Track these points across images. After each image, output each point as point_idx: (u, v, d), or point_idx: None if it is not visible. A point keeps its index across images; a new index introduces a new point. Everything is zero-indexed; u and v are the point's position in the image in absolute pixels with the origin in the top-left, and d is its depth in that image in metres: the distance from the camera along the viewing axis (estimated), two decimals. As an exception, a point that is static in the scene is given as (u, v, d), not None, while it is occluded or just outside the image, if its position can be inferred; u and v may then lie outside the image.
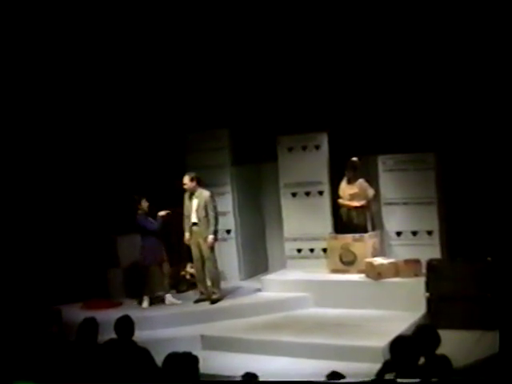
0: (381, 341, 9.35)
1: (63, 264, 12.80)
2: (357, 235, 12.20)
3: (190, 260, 13.39)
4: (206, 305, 11.93)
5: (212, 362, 9.50)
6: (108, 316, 9.63)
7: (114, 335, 8.04)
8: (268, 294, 12.19)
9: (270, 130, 13.19)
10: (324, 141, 12.86)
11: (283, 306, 11.77)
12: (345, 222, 12.49)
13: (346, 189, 12.50)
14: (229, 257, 13.28)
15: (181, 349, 6.56)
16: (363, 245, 12.15)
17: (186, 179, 11.98)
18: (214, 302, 11.91)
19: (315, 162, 12.89)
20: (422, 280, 11.09)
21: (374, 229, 12.44)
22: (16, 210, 12.70)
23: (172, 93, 13.93)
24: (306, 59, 13.05)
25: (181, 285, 13.02)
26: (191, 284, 13.01)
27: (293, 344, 10.22)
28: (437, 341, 6.72)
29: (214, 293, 11.96)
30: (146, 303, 12.03)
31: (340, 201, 12.55)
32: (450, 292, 10.62)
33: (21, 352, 8.28)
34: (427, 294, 10.91)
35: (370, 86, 12.72)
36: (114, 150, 13.83)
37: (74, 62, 13.08)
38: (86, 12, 12.54)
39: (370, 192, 12.39)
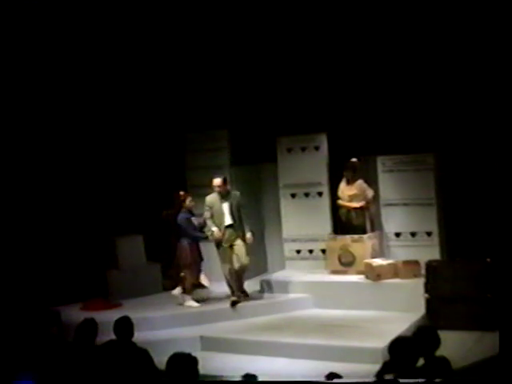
0: (380, 342, 9.35)
1: (63, 265, 12.79)
2: (356, 236, 12.20)
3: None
4: (205, 306, 11.92)
5: (211, 363, 9.49)
6: (107, 317, 9.62)
7: (113, 336, 8.03)
8: (267, 295, 12.18)
9: (269, 131, 13.20)
10: (323, 142, 12.89)
11: (282, 307, 11.77)
12: (344, 222, 12.47)
13: (345, 190, 12.49)
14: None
15: (180, 350, 6.57)
16: (362, 246, 12.14)
17: (219, 181, 11.61)
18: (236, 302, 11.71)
19: (314, 163, 12.91)
20: (421, 281, 11.08)
21: (373, 230, 12.44)
22: (16, 211, 12.69)
23: (171, 93, 13.93)
24: (306, 60, 13.06)
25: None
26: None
27: (292, 345, 10.22)
28: (437, 342, 6.72)
29: (235, 293, 11.81)
30: (191, 301, 11.85)
31: (339, 202, 12.54)
32: (449, 293, 10.61)
33: (21, 353, 8.27)
34: (426, 295, 10.90)
35: (369, 87, 12.73)
36: (114, 150, 13.83)
37: (75, 63, 13.07)
38: (85, 11, 12.52)
39: (370, 193, 12.39)
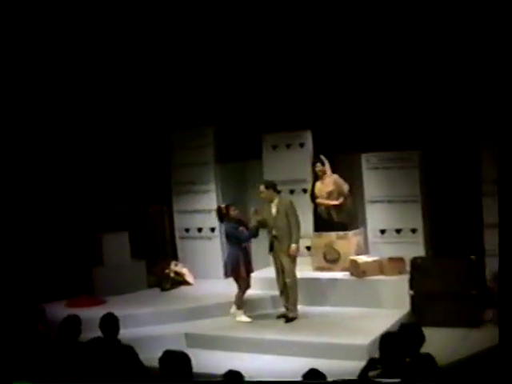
0: (365, 339, 9.38)
1: (48, 262, 12.76)
2: (341, 233, 12.22)
3: (175, 257, 13.40)
4: (190, 303, 11.91)
5: (196, 360, 9.42)
6: (92, 314, 9.61)
7: (98, 333, 8.03)
8: (252, 292, 12.13)
9: (254, 128, 13.22)
10: (308, 139, 12.93)
11: (267, 304, 11.77)
12: (326, 220, 12.44)
13: (322, 187, 12.45)
14: (213, 255, 13.27)
15: (165, 347, 6.57)
16: (347, 243, 12.17)
17: (261, 187, 11.19)
18: (289, 320, 11.08)
19: (299, 160, 12.96)
20: (405, 278, 11.11)
21: (354, 225, 12.45)
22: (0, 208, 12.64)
23: (158, 91, 13.90)
24: (291, 58, 13.05)
25: (164, 282, 13.00)
26: (175, 282, 13.00)
27: (277, 342, 10.24)
28: (421, 339, 6.73)
29: (290, 310, 11.19)
30: (241, 316, 11.31)
31: (318, 200, 12.47)
32: (434, 290, 10.64)
33: (6, 351, 8.24)
34: (411, 292, 10.93)
35: (354, 84, 12.74)
36: (99, 147, 13.79)
37: (63, 61, 13.00)
38: (75, 10, 12.46)
39: (346, 188, 12.36)
